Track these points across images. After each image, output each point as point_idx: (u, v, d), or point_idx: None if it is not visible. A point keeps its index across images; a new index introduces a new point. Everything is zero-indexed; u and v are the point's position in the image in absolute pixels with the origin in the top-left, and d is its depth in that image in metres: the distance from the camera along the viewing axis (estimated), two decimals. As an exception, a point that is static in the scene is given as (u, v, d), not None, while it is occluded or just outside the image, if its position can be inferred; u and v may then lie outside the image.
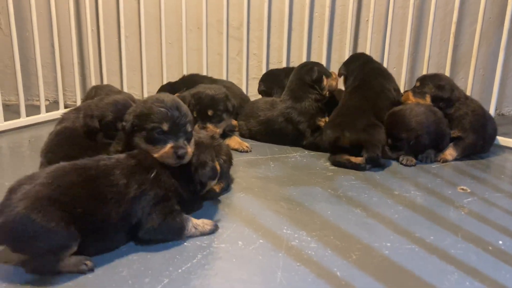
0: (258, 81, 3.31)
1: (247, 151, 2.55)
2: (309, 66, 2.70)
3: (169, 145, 1.56)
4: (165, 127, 1.56)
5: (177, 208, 1.54)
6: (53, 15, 3.09)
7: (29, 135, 2.76)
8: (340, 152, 2.37)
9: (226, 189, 1.97)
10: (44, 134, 2.73)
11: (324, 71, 2.70)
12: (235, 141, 2.60)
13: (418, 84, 2.62)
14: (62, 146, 1.87)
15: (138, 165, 1.52)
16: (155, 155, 1.57)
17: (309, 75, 2.65)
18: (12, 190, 1.36)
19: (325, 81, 2.66)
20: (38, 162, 2.23)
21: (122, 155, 1.56)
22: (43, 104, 3.05)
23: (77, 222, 1.33)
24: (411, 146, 2.40)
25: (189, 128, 1.61)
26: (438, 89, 2.54)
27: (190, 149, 1.59)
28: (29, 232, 1.27)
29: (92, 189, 1.41)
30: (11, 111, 3.12)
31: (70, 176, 1.41)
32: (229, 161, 1.96)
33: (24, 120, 2.91)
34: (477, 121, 2.52)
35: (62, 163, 1.47)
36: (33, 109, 3.07)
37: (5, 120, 2.80)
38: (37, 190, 1.33)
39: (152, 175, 1.51)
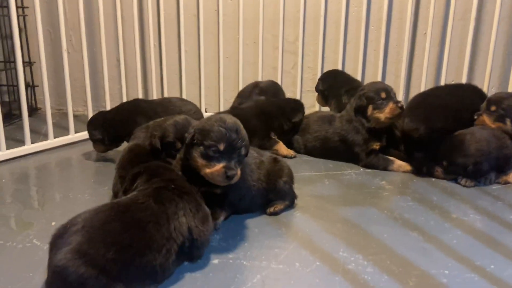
0: (312, 94, 3.37)
1: (292, 157, 2.74)
2: (362, 92, 2.57)
3: (221, 165, 1.64)
4: (221, 147, 1.64)
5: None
6: (119, 31, 3.29)
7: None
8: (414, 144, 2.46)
9: (291, 206, 2.04)
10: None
11: (373, 101, 2.51)
12: (283, 148, 2.77)
13: (494, 108, 2.44)
14: (131, 162, 1.99)
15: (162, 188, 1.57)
16: (207, 171, 1.66)
17: (354, 101, 2.60)
18: (53, 244, 1.36)
19: (369, 111, 2.54)
20: (104, 174, 2.42)
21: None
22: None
23: (116, 263, 1.32)
24: (468, 171, 2.33)
25: (243, 151, 1.69)
26: None
27: (239, 171, 1.68)
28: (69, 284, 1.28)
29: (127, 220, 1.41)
30: (79, 121, 3.35)
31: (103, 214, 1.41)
32: (290, 181, 2.04)
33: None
34: None
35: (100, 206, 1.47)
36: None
37: (76, 131, 3.02)
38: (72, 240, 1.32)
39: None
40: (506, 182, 2.38)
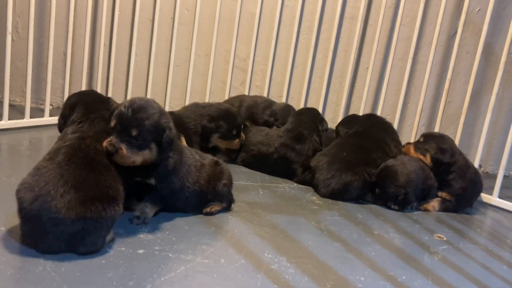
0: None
1: None
2: (321, 116, 2.91)
3: (108, 140, 1.67)
4: (112, 123, 1.68)
5: None
6: (70, 25, 3.23)
7: (30, 136, 2.84)
8: None
9: (228, 208, 2.09)
10: (45, 136, 2.86)
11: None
12: None
13: (421, 139, 2.67)
14: None
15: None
16: None
17: (322, 124, 2.83)
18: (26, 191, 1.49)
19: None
20: (36, 161, 2.32)
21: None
22: (47, 108, 3.14)
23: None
24: (398, 200, 2.46)
25: (133, 133, 1.66)
26: (440, 152, 2.58)
27: (125, 152, 1.64)
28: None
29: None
30: (16, 111, 3.21)
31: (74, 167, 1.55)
32: (229, 184, 2.08)
33: (27, 121, 2.99)
34: (470, 190, 2.62)
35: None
36: (37, 112, 3.17)
37: (9, 119, 2.89)
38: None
39: None
40: (426, 210, 2.55)
